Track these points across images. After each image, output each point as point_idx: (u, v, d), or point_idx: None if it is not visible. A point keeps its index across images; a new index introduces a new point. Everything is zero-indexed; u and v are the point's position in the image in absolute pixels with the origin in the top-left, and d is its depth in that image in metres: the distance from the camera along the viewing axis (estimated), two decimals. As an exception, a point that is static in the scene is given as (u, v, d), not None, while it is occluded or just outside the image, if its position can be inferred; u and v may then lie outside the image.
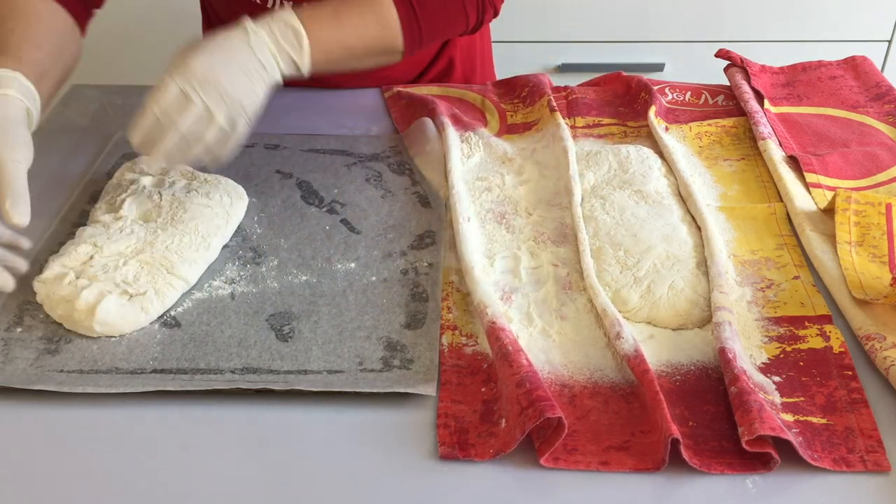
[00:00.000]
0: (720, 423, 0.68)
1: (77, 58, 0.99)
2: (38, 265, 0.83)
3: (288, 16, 0.89)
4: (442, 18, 1.01)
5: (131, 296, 0.76)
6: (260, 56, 0.85)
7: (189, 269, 0.81)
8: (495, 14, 1.08)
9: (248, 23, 0.86)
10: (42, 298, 0.78)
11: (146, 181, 0.90)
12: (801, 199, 0.91)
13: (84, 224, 0.88)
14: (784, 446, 0.63)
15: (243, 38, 0.85)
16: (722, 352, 0.70)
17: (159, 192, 0.88)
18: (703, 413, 0.69)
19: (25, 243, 0.82)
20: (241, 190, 0.92)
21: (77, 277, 0.77)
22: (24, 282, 0.81)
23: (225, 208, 0.88)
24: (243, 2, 1.12)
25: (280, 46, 0.87)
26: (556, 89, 1.14)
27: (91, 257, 0.80)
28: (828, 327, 0.76)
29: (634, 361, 0.70)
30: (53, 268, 0.79)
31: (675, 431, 0.63)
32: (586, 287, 0.80)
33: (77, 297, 0.75)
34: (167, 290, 0.78)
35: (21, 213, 0.74)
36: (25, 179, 0.76)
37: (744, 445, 0.63)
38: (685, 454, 0.63)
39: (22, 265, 0.80)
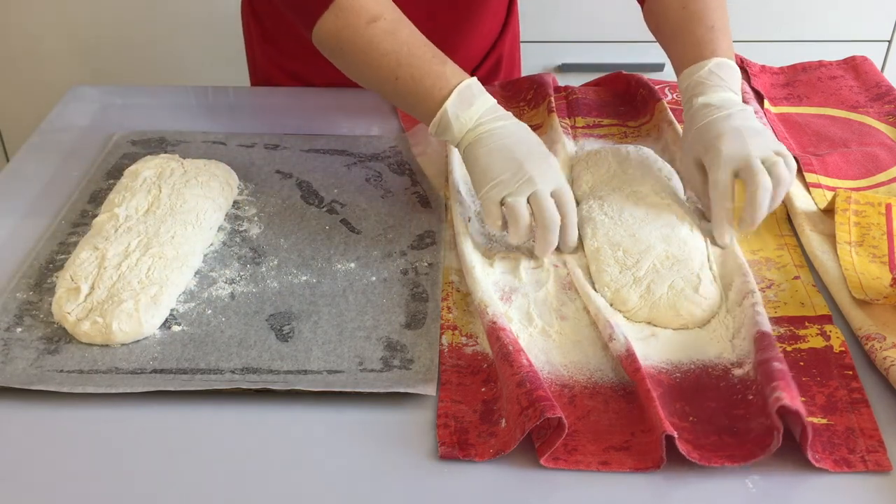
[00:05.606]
0: (720, 418, 0.68)
1: None
2: (40, 268, 0.83)
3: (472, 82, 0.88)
4: None
5: (152, 296, 0.77)
6: None
7: (195, 258, 0.83)
8: None
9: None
10: (66, 324, 0.76)
11: (144, 176, 0.91)
12: (801, 199, 0.91)
13: (85, 224, 0.88)
14: (784, 446, 0.63)
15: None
16: (762, 336, 0.71)
17: (158, 186, 0.89)
18: (703, 408, 0.68)
19: None
20: (231, 172, 0.96)
21: (92, 290, 0.77)
22: (24, 282, 0.81)
23: (221, 193, 0.91)
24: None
25: None
26: (557, 89, 1.14)
27: (98, 262, 0.79)
28: (828, 327, 0.76)
29: (626, 361, 0.70)
30: (63, 284, 0.78)
31: (669, 428, 0.63)
32: (579, 292, 0.80)
33: (95, 321, 0.74)
34: (180, 278, 0.79)
35: None
36: None
37: (770, 411, 0.63)
38: (684, 448, 0.63)
39: None
